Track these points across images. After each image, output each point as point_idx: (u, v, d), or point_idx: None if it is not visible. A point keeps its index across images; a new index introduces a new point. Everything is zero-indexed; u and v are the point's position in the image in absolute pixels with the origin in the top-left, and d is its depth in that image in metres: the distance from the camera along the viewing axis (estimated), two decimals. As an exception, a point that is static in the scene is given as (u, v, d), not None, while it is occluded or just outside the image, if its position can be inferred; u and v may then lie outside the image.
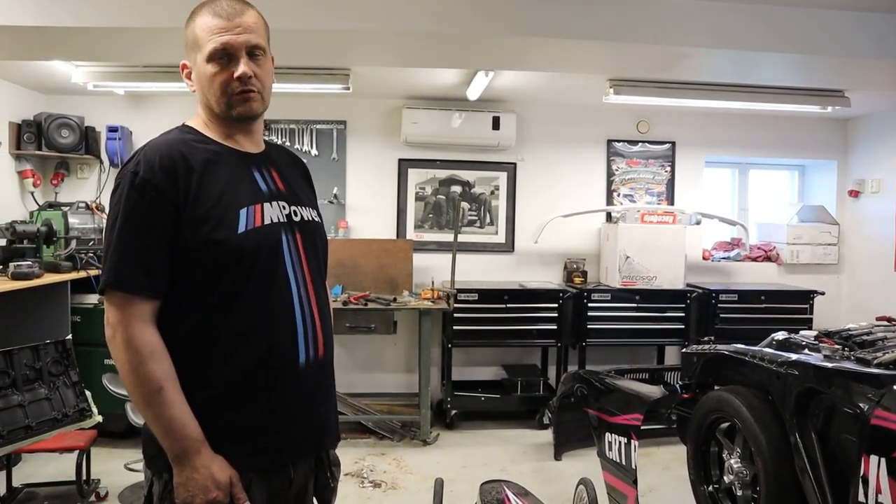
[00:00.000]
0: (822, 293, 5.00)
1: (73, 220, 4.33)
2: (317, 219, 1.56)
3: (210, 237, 1.33)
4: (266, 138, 1.60)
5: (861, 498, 2.01)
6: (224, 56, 1.40)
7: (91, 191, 4.87)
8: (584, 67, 3.96)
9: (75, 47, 3.53)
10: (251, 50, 1.42)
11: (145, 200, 1.31)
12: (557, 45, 3.35)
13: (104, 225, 4.52)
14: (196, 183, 1.35)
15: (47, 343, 2.97)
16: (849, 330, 2.79)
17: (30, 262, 3.67)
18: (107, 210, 1.32)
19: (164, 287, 1.33)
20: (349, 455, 4.06)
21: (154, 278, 1.32)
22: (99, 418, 3.10)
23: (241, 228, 1.36)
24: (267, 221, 1.40)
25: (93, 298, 4.11)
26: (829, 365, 2.35)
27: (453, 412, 4.69)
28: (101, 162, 4.87)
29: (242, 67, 1.39)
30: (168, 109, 4.76)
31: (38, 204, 4.62)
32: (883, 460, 1.95)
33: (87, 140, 4.71)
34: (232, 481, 1.32)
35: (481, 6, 3.20)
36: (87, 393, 3.09)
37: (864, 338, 2.62)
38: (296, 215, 1.47)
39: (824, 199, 5.64)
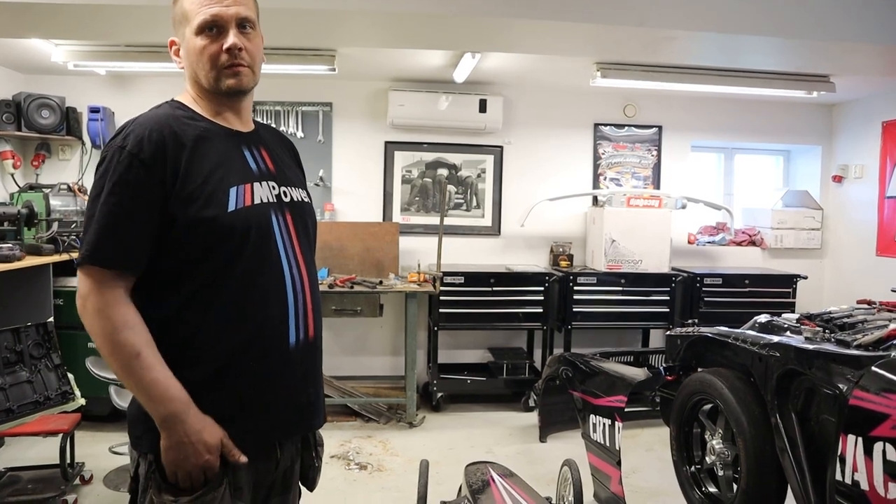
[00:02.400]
0: (805, 277, 5.05)
1: (54, 202, 4.27)
2: (306, 199, 1.54)
3: (199, 214, 1.31)
4: (254, 118, 1.58)
5: (838, 476, 2.04)
6: (213, 28, 1.37)
7: (73, 172, 4.80)
8: (571, 50, 3.95)
9: (55, 25, 3.45)
10: (241, 22, 1.39)
11: (131, 175, 1.29)
12: (544, 27, 3.33)
13: (87, 203, 4.51)
14: (186, 159, 1.33)
15: (28, 326, 2.95)
16: (830, 313, 2.82)
17: (10, 245, 3.62)
18: (91, 183, 1.30)
19: (142, 264, 1.32)
20: (335, 438, 4.07)
21: (131, 255, 1.30)
22: (82, 401, 3.09)
23: (231, 207, 1.34)
24: (257, 201, 1.39)
25: (76, 281, 4.05)
26: (810, 347, 2.37)
27: (439, 395, 4.71)
28: (83, 143, 4.79)
29: (232, 39, 1.37)
30: (151, 90, 4.69)
31: (18, 186, 4.55)
32: (860, 440, 1.98)
33: (69, 121, 4.64)
34: (223, 441, 1.32)
35: (468, -14, 3.17)
36: (70, 376, 3.07)
37: (845, 320, 2.65)
38: (286, 196, 1.46)
39: (809, 185, 5.68)
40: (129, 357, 1.27)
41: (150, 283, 1.33)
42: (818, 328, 2.63)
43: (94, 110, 4.63)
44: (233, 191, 1.35)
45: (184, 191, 1.31)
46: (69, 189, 4.44)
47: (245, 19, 1.40)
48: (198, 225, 1.31)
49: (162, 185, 1.30)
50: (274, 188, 1.44)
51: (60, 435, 3.17)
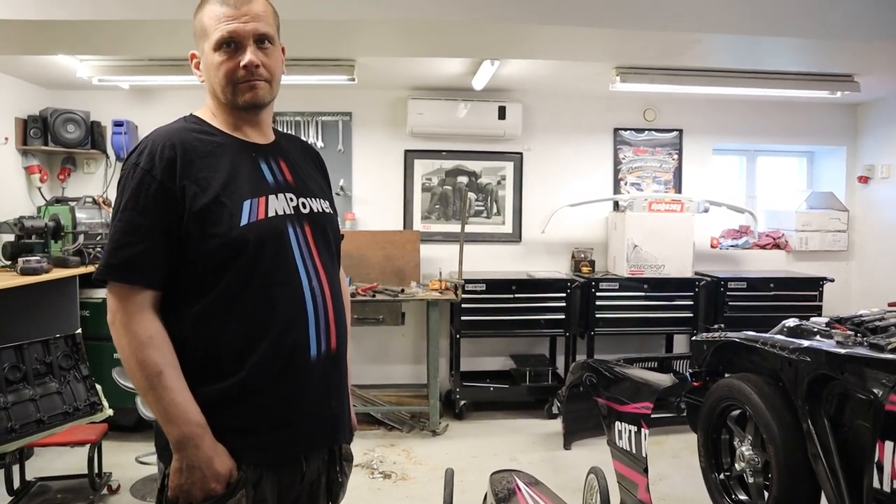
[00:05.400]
0: (832, 280, 4.98)
1: (80, 214, 4.33)
2: (328, 210, 1.53)
3: (211, 230, 1.32)
4: (277, 128, 1.58)
5: (876, 484, 2.00)
6: (231, 44, 1.38)
7: (98, 185, 4.87)
8: (592, 55, 3.93)
9: (80, 41, 3.52)
10: (259, 38, 1.40)
11: (142, 191, 1.31)
12: (564, 33, 3.32)
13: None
14: (198, 175, 1.34)
15: (57, 337, 2.99)
16: (861, 316, 2.77)
17: (38, 258, 3.69)
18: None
19: (161, 277, 1.33)
20: (359, 446, 4.05)
21: (148, 269, 1.31)
22: (110, 412, 3.12)
23: (244, 221, 1.34)
24: (271, 214, 1.39)
25: (102, 293, 4.11)
26: (842, 351, 2.33)
27: (462, 402, 4.69)
28: (108, 157, 4.87)
29: (249, 56, 1.38)
30: (174, 103, 4.76)
31: (45, 199, 4.63)
32: (898, 446, 1.94)
33: (93, 135, 4.71)
34: (231, 473, 1.32)
35: (487, -6, 3.17)
36: (98, 387, 3.10)
37: (877, 323, 2.60)
38: (304, 207, 1.45)
39: (833, 186, 5.60)
40: (150, 375, 1.28)
41: (171, 299, 1.35)
42: (849, 332, 2.58)
43: (117, 124, 4.71)
44: (246, 204, 1.35)
45: (196, 205, 1.32)
46: (94, 202, 4.51)
47: (263, 35, 1.40)
48: (211, 239, 1.32)
49: (174, 200, 1.31)
50: (292, 200, 1.43)
51: (88, 445, 3.21)
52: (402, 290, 4.47)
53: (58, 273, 3.76)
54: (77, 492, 3.27)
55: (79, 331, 3.12)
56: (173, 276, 1.34)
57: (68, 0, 3.01)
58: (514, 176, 5.22)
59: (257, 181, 1.41)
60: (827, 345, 2.45)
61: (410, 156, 5.13)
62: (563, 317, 4.70)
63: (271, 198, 1.40)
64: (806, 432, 2.43)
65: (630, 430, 2.91)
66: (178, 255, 1.33)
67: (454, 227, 4.98)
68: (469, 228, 4.94)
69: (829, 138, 5.53)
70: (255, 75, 1.39)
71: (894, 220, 5.09)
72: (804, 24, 3.32)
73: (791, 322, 2.93)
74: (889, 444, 1.95)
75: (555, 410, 4.61)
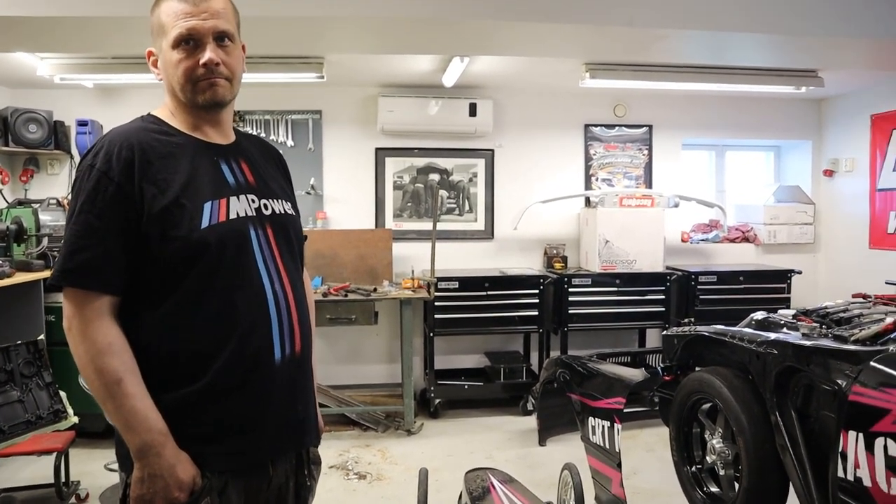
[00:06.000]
0: (800, 272, 5.06)
1: (44, 217, 4.22)
2: (290, 211, 1.51)
3: (171, 232, 1.29)
4: (238, 128, 1.55)
5: (840, 473, 2.03)
6: (190, 42, 1.35)
7: (62, 187, 4.76)
8: (560, 51, 3.94)
9: (39, 38, 3.42)
10: (219, 36, 1.37)
11: (100, 194, 1.27)
12: (533, 29, 3.32)
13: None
14: (156, 176, 1.30)
15: (18, 344, 2.91)
16: (826, 308, 2.81)
17: (0, 262, 3.58)
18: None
19: (119, 282, 1.29)
20: (333, 448, 4.04)
21: (106, 273, 1.28)
22: (75, 419, 3.05)
23: (205, 223, 1.31)
24: (233, 216, 1.36)
25: (66, 297, 4.02)
26: (808, 343, 2.36)
27: (437, 401, 4.68)
28: (72, 157, 4.76)
29: (209, 54, 1.35)
30: (139, 102, 4.61)
31: (6, 202, 4.51)
32: (861, 435, 1.97)
33: (57, 135, 4.60)
34: (195, 480, 1.29)
35: (455, -10, 3.16)
36: (62, 394, 3.03)
37: (841, 315, 2.65)
38: (266, 208, 1.43)
39: (800, 179, 5.70)
40: (110, 383, 1.25)
41: (131, 303, 1.31)
42: (815, 324, 2.62)
43: (81, 123, 4.60)
44: (206, 206, 1.32)
45: (155, 207, 1.28)
46: (58, 204, 4.39)
47: (223, 32, 1.37)
48: (171, 242, 1.29)
49: (132, 202, 1.28)
50: (253, 201, 1.41)
51: (55, 454, 3.13)
52: (375, 289, 4.45)
53: (21, 277, 3.66)
54: (44, 501, 3.20)
55: (41, 337, 3.04)
56: (132, 281, 1.30)
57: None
58: (486, 173, 5.22)
59: (218, 182, 1.38)
60: (793, 337, 2.49)
61: (381, 153, 5.10)
62: (537, 313, 4.71)
63: (233, 199, 1.37)
64: (774, 424, 2.47)
65: (603, 426, 2.93)
66: (136, 258, 1.29)
67: (426, 225, 4.96)
68: (441, 226, 4.93)
69: (795, 133, 5.62)
70: (216, 73, 1.36)
71: (858, 213, 5.20)
72: (768, 20, 3.36)
73: (759, 315, 2.98)
74: (853, 434, 1.98)
75: (529, 407, 4.62)
